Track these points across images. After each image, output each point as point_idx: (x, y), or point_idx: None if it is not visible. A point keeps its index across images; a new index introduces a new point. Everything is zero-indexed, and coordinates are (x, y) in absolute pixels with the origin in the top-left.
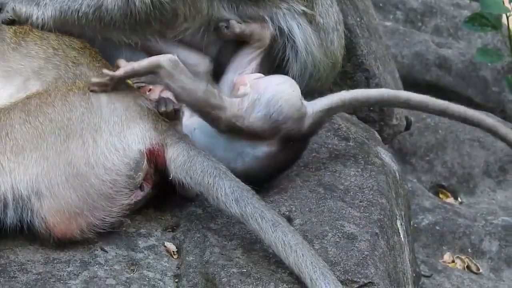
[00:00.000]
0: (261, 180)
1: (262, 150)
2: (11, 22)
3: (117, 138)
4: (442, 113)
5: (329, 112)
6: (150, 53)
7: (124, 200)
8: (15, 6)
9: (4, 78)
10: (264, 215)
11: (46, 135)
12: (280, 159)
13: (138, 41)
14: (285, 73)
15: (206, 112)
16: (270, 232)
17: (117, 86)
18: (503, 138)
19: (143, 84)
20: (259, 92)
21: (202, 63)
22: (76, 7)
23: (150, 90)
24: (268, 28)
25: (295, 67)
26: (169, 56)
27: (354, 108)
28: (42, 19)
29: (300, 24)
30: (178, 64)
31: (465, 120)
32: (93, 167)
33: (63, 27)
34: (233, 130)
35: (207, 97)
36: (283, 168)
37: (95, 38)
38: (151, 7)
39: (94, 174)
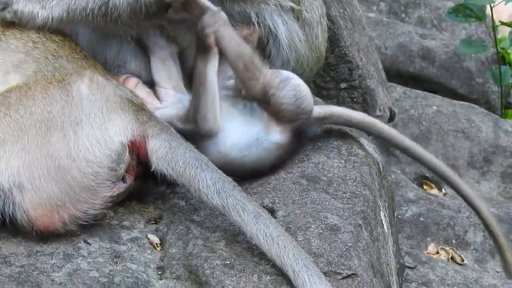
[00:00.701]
0: (264, 172)
1: (276, 137)
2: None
3: (98, 130)
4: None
5: (320, 121)
6: (144, 46)
7: (107, 192)
8: (18, 8)
9: None
10: (246, 207)
11: (27, 128)
12: (285, 151)
13: (139, 34)
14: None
15: (248, 69)
16: (251, 224)
17: None
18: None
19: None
20: (288, 76)
21: None
22: (83, 5)
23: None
24: (255, 31)
25: (276, 62)
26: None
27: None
28: (47, 21)
29: (286, 21)
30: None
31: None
32: (74, 159)
33: (65, 26)
34: (264, 99)
35: (253, 55)
36: (280, 162)
37: (86, 33)
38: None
39: (75, 166)
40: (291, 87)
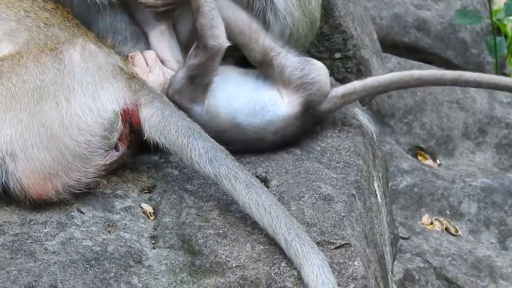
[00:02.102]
0: (263, 146)
1: (282, 109)
2: None
3: (91, 99)
4: (456, 83)
5: (344, 98)
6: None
7: (99, 161)
8: None
9: None
10: (238, 176)
11: (19, 97)
12: (292, 130)
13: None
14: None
15: (246, 33)
16: (244, 193)
17: None
18: None
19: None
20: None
21: None
22: None
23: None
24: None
25: (275, 29)
26: None
27: (368, 96)
28: None
29: None
30: None
31: (480, 85)
32: (67, 128)
33: None
34: (265, 62)
35: (251, 19)
36: (288, 141)
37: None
38: None
39: (68, 135)
40: (297, 55)
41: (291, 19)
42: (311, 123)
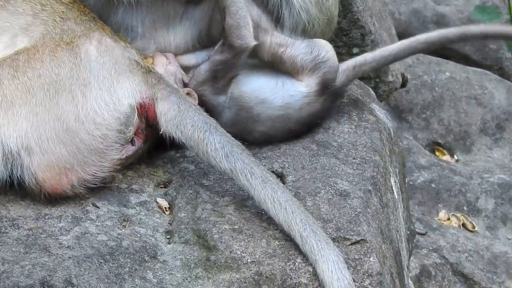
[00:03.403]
0: (293, 125)
1: (300, 89)
2: None
3: (107, 93)
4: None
5: (356, 70)
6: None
7: (115, 155)
8: None
9: None
10: (254, 171)
11: (35, 91)
12: (316, 107)
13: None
14: (279, 27)
15: (254, 32)
16: (259, 189)
17: None
18: None
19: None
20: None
21: None
22: None
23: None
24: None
25: (287, 23)
26: None
27: (380, 67)
28: None
29: None
30: None
31: (486, 36)
32: (83, 122)
33: None
34: (275, 60)
35: (260, 18)
36: (313, 120)
37: None
38: None
39: (84, 129)
40: (305, 41)
41: (306, 15)
42: (332, 99)
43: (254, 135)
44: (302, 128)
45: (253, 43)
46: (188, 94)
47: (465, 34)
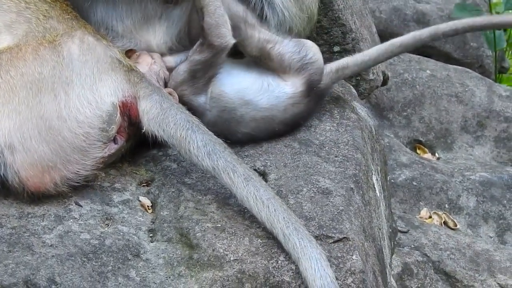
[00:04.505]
0: (277, 126)
1: (286, 90)
2: None
3: (89, 91)
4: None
5: (338, 73)
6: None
7: (98, 153)
8: None
9: None
10: (236, 169)
11: (17, 89)
12: (300, 108)
13: None
14: (265, 26)
15: (241, 28)
16: (242, 187)
17: None
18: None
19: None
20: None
21: None
22: None
23: (136, 60)
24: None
25: (272, 23)
26: None
27: (360, 71)
28: None
29: None
30: None
31: (457, 32)
32: (65, 120)
33: None
34: (263, 56)
35: (246, 14)
36: (297, 120)
37: None
38: None
39: (66, 127)
40: (293, 40)
41: (288, 13)
42: (316, 100)
43: (237, 136)
44: (286, 128)
45: (232, 41)
46: (169, 94)
47: (437, 33)
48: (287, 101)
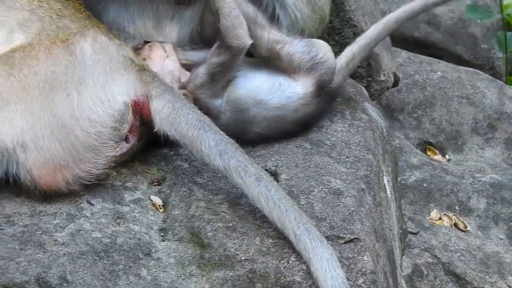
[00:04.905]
0: (288, 126)
1: (297, 90)
2: None
3: (102, 90)
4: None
5: (349, 66)
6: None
7: (110, 152)
8: None
9: None
10: (248, 169)
11: (30, 88)
12: (311, 108)
13: None
14: (277, 27)
15: (251, 28)
16: (253, 187)
17: None
18: None
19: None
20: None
21: None
22: None
23: (148, 53)
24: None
25: (284, 23)
26: None
27: (366, 56)
28: None
29: None
30: None
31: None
32: (77, 119)
33: None
34: (272, 56)
35: (256, 14)
36: (308, 120)
37: None
38: None
39: (79, 126)
40: (304, 40)
41: (300, 14)
42: (327, 100)
43: (249, 135)
44: (297, 128)
45: (249, 41)
46: (184, 96)
47: (427, 4)
48: (298, 101)
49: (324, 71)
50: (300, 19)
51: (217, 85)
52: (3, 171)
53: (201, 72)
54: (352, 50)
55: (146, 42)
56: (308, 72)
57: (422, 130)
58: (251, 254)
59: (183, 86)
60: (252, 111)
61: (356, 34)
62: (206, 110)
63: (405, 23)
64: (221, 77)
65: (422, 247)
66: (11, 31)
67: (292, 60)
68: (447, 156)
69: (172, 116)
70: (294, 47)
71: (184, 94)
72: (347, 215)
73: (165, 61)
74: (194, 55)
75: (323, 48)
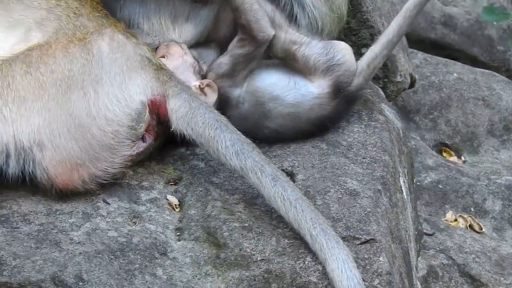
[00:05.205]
0: (303, 125)
1: (312, 90)
2: None
3: (119, 89)
4: None
5: (370, 67)
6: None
7: (126, 151)
8: None
9: (6, 28)
10: (264, 169)
11: (47, 86)
12: (327, 110)
13: None
14: (295, 27)
15: None
16: (269, 187)
17: None
18: None
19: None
20: (314, 37)
21: None
22: None
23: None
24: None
25: (303, 22)
26: None
27: (389, 54)
28: None
29: None
30: None
31: None
32: (94, 118)
33: None
34: (288, 56)
35: (274, 14)
36: (324, 122)
37: None
38: None
39: (95, 125)
40: (322, 42)
41: (318, 13)
42: (346, 103)
43: (264, 131)
44: (312, 129)
45: (272, 32)
46: (208, 86)
47: None
48: (313, 100)
49: (341, 73)
50: (318, 18)
51: (238, 76)
52: (20, 169)
53: (224, 62)
54: (373, 50)
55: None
56: (324, 73)
57: (438, 132)
58: (267, 254)
59: (204, 77)
60: (268, 106)
61: (373, 35)
62: (225, 99)
63: (421, 25)
64: (243, 67)
65: (438, 249)
66: (28, 29)
67: (308, 62)
68: (462, 158)
69: (189, 116)
70: (311, 49)
71: (208, 85)
72: (363, 216)
73: (184, 56)
74: (202, 53)
75: (342, 51)
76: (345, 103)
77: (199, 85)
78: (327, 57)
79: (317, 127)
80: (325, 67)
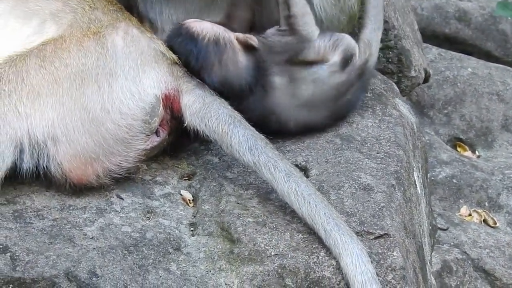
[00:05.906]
0: (326, 99)
1: (327, 64)
2: None
3: (133, 83)
4: None
5: (366, 43)
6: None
7: (140, 145)
8: None
9: (21, 19)
10: (277, 165)
11: (61, 81)
12: (342, 78)
13: None
14: None
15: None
16: (283, 182)
17: None
18: None
19: None
20: None
21: None
22: None
23: None
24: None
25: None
26: None
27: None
28: None
29: None
30: None
31: None
32: (108, 112)
33: None
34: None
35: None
36: (342, 91)
37: None
38: None
39: (109, 119)
40: (324, 34)
41: (324, 14)
42: (357, 74)
43: (292, 114)
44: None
45: (317, 31)
46: (237, 39)
47: None
48: (328, 68)
49: (345, 46)
50: (324, 18)
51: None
52: (34, 164)
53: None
54: (363, 28)
55: None
56: (333, 50)
57: (452, 126)
58: (280, 249)
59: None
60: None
61: (387, 30)
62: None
63: (436, 20)
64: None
65: (452, 243)
66: (43, 21)
67: (319, 53)
68: (477, 153)
69: (203, 111)
70: (320, 43)
71: (247, 37)
72: (377, 211)
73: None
74: None
75: (341, 35)
76: (356, 73)
77: (238, 37)
78: (331, 41)
79: (336, 92)
80: (331, 45)
